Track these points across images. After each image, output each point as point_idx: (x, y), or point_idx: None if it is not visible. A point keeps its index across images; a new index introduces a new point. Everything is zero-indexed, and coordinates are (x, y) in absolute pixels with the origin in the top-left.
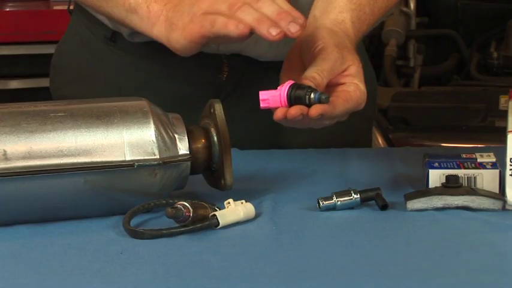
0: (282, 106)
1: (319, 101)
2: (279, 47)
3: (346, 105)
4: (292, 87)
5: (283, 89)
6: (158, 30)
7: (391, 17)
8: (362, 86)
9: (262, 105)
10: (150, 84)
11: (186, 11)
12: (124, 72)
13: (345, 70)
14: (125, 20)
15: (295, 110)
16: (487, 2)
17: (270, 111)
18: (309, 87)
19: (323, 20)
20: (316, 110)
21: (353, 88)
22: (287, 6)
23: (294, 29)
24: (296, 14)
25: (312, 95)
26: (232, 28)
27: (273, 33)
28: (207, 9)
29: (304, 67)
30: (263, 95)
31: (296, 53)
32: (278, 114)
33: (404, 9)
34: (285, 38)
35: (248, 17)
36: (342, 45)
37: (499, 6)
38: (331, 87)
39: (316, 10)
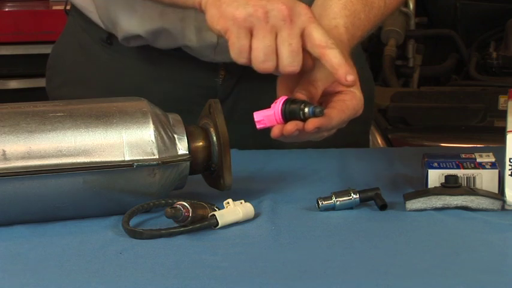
0: (277, 123)
1: (314, 115)
2: None
3: (343, 116)
4: (285, 103)
5: (277, 106)
6: None
7: (390, 17)
8: (358, 93)
9: (258, 126)
10: (146, 86)
11: (239, 1)
12: (120, 74)
13: None
14: None
15: (291, 126)
16: (486, 2)
17: None
18: (303, 101)
19: None
20: (312, 124)
21: (349, 97)
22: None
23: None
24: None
25: (306, 109)
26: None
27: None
28: (252, 18)
29: (299, 76)
30: (257, 116)
31: None
32: (275, 132)
33: (404, 9)
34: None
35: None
36: None
37: (498, 6)
38: (327, 95)
39: None
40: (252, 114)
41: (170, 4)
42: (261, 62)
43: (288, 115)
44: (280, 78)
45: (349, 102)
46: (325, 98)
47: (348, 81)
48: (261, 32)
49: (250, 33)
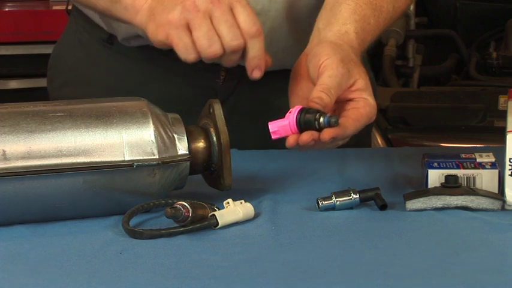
0: (292, 133)
1: (329, 125)
2: (276, 59)
3: (357, 124)
4: (300, 112)
5: (292, 116)
6: (140, 18)
7: None
8: (371, 100)
9: (273, 136)
10: (147, 86)
11: (168, 7)
12: (120, 74)
13: (352, 85)
14: (110, 11)
15: (307, 136)
16: (486, 2)
17: (268, 115)
18: (318, 110)
19: (326, 32)
20: (327, 134)
21: (362, 104)
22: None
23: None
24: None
25: (321, 119)
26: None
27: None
28: (184, 14)
29: (311, 82)
30: (272, 127)
31: (302, 68)
32: (290, 142)
33: None
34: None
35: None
36: (347, 59)
37: (498, 6)
38: (339, 103)
39: (320, 23)
40: (252, 116)
41: (110, 16)
42: (207, 47)
43: (303, 125)
44: (291, 88)
45: (363, 109)
46: (338, 106)
47: (252, 76)
48: (196, 22)
49: (189, 30)
